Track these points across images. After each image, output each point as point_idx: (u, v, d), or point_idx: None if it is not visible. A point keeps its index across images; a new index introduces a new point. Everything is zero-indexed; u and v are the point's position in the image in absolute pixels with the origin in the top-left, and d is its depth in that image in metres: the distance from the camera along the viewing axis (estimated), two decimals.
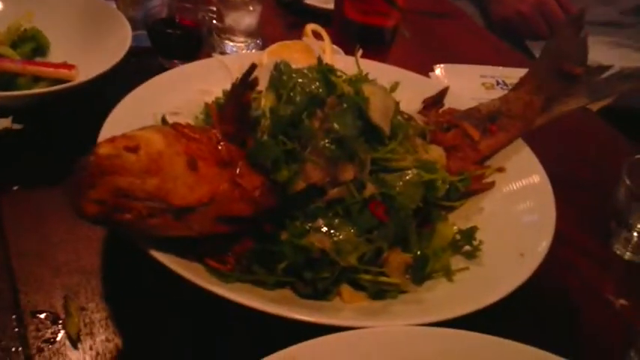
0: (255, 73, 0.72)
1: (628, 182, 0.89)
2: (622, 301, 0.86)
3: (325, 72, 0.77)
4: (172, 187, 0.66)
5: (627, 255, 0.92)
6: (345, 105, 0.75)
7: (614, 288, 0.88)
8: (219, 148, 0.72)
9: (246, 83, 0.71)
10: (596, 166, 1.12)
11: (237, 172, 0.71)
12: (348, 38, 1.20)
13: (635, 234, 0.91)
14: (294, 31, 1.33)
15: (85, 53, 1.07)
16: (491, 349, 0.60)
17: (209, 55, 1.19)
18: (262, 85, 0.78)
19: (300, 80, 0.76)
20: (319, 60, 0.82)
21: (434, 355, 0.59)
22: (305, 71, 0.78)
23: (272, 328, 0.65)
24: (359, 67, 0.87)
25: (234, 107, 0.74)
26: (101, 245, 0.81)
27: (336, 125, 0.74)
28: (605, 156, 1.15)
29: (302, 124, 0.74)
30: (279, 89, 0.76)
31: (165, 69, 1.05)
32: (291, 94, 0.74)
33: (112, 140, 0.65)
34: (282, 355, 0.55)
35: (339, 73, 0.82)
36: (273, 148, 0.72)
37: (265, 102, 0.75)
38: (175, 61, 1.14)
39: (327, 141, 0.74)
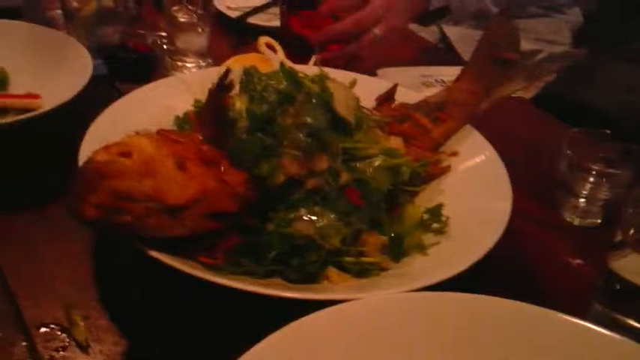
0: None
1: (569, 153, 0.97)
2: (578, 261, 0.93)
3: (291, 73, 0.84)
4: (166, 187, 0.70)
5: (577, 221, 1.00)
6: (313, 100, 0.82)
7: (569, 250, 0.95)
8: (203, 149, 0.76)
9: (222, 87, 0.77)
10: (533, 145, 1.19)
11: (222, 169, 0.76)
12: (295, 51, 1.26)
13: (582, 200, 0.99)
14: (241, 49, 1.39)
15: (45, 84, 1.09)
16: (476, 305, 0.64)
17: (165, 77, 1.23)
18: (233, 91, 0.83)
19: (269, 82, 0.81)
20: (282, 64, 0.88)
21: (429, 315, 0.63)
22: (272, 74, 0.83)
23: (267, 315, 0.67)
24: (321, 68, 0.94)
25: (213, 111, 0.79)
26: (90, 257, 0.84)
27: (308, 119, 0.80)
28: (542, 136, 1.23)
29: (276, 121, 0.79)
30: (251, 91, 0.81)
31: (123, 94, 1.08)
32: (264, 94, 0.80)
33: (106, 148, 0.69)
34: (289, 328, 0.58)
35: (301, 74, 0.88)
36: (252, 144, 0.77)
37: (239, 104, 0.80)
38: (133, 85, 1.18)
39: (300, 134, 0.80)
